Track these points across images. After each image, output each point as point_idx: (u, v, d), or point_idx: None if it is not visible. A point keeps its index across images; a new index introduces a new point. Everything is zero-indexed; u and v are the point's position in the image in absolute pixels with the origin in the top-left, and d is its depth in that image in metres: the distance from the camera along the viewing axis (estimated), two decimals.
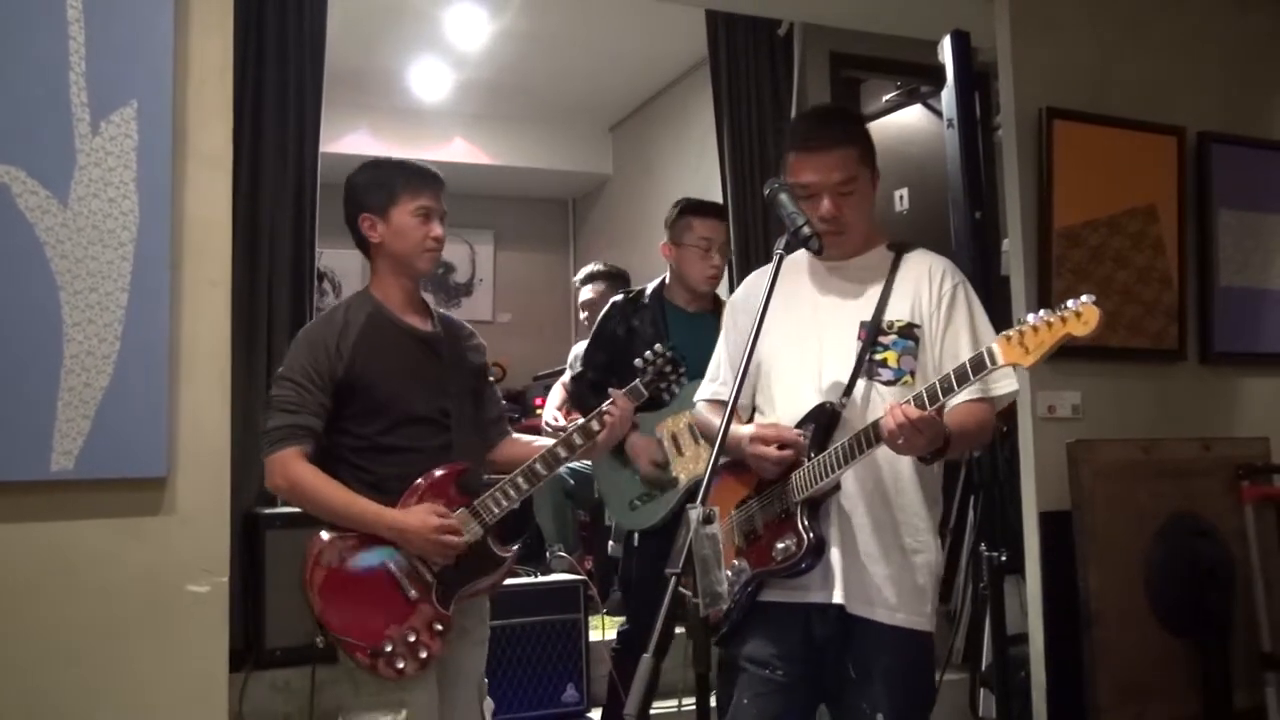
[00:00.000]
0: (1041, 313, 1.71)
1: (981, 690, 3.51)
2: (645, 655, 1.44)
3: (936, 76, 3.47)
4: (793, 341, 2.09)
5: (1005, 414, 3.29)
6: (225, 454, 2.27)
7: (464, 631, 2.37)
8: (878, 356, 2.02)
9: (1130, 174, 3.42)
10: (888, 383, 2.01)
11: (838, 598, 1.97)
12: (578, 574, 3.75)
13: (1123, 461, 3.22)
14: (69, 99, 2.15)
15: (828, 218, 2.01)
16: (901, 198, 5.21)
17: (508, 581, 2.52)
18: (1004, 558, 3.14)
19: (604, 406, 2.33)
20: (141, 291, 2.18)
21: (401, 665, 2.16)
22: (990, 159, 3.87)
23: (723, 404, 2.19)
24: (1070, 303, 1.68)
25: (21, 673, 2.08)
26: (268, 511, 3.52)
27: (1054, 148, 3.31)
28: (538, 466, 2.31)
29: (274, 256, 3.82)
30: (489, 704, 2.53)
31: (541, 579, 3.67)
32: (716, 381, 2.27)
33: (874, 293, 2.06)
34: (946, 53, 3.21)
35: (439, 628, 2.22)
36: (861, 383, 2.01)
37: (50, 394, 2.10)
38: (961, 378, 1.78)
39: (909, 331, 2.03)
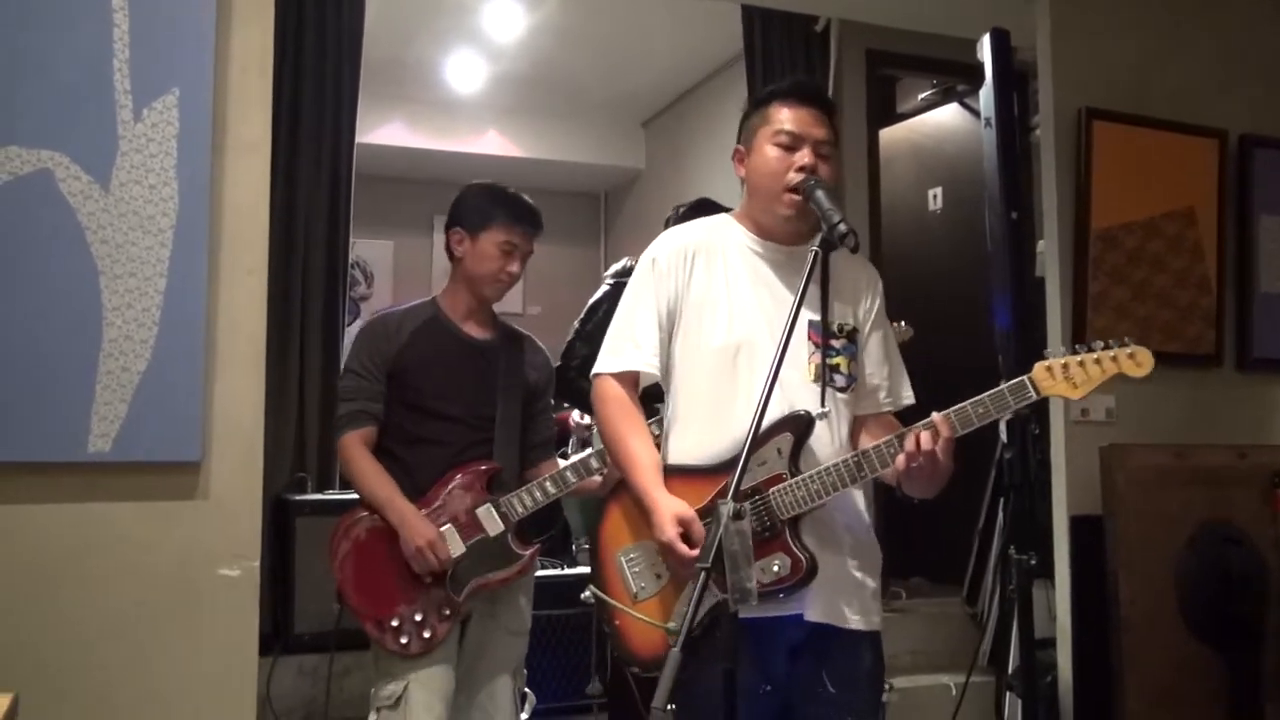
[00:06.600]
0: (1092, 349, 1.74)
1: (1007, 694, 3.48)
2: (673, 650, 1.43)
3: (973, 75, 3.44)
4: (746, 327, 1.92)
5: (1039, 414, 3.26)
6: (259, 440, 2.30)
7: (493, 618, 2.44)
8: (832, 361, 1.93)
9: (1170, 176, 3.38)
10: (841, 389, 1.93)
11: (816, 615, 1.88)
12: None
13: (1156, 467, 3.19)
14: (112, 86, 2.18)
15: (808, 168, 1.91)
16: (935, 197, 5.17)
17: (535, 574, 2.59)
18: (1034, 561, 3.11)
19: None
20: (180, 277, 2.21)
21: (405, 641, 2.29)
22: (1027, 159, 3.83)
23: (635, 376, 2.00)
24: (1114, 344, 1.74)
25: (54, 651, 2.11)
26: (298, 498, 3.56)
27: (1093, 149, 3.27)
28: (568, 474, 2.42)
29: (309, 245, 3.86)
30: (530, 698, 2.56)
31: (568, 571, 3.67)
32: (631, 345, 1.98)
33: (815, 291, 1.92)
34: (986, 51, 3.17)
35: (447, 612, 2.33)
36: (826, 391, 1.91)
37: (89, 376, 2.13)
38: (1001, 407, 1.76)
39: (854, 336, 1.97)
